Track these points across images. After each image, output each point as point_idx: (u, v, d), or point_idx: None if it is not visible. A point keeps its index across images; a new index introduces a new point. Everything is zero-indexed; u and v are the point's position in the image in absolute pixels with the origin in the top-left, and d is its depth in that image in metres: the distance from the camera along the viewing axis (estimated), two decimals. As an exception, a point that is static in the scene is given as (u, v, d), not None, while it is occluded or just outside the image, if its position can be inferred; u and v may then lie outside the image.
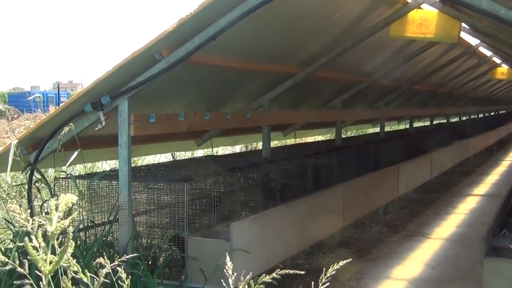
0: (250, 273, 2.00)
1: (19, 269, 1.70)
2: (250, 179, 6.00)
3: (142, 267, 4.19)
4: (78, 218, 4.73)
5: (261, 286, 1.91)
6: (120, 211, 4.45)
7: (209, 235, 4.88)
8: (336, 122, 9.16)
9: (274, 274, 1.84)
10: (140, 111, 5.32)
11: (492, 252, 4.31)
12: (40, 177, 4.97)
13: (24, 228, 1.63)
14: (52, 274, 1.63)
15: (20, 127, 12.32)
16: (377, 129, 12.69)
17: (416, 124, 15.90)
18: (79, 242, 4.44)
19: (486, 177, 13.70)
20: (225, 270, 1.88)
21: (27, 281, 1.71)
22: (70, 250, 1.60)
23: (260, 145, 8.65)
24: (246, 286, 1.90)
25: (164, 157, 10.86)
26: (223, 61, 5.27)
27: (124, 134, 4.39)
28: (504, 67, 12.20)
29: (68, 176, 5.07)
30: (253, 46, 5.53)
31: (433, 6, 5.99)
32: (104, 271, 1.77)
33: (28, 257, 1.64)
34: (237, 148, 12.93)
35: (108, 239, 4.59)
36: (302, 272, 1.95)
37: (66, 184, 5.09)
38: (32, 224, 1.63)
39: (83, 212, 4.97)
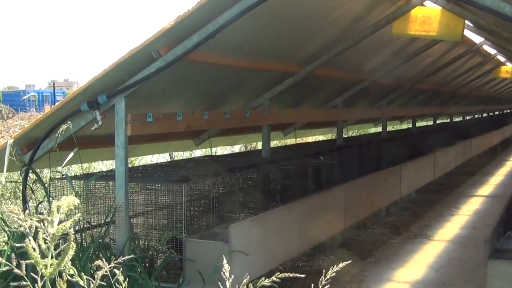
0: (248, 276, 2.01)
1: (16, 270, 1.71)
2: (249, 179, 6.00)
3: (139, 270, 4.20)
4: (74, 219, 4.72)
5: (261, 289, 1.91)
6: (116, 212, 4.45)
7: (208, 237, 4.88)
8: (337, 122, 9.17)
9: (273, 278, 1.85)
10: (137, 110, 5.32)
11: (496, 254, 4.32)
12: (35, 177, 4.97)
13: (22, 229, 1.63)
14: (52, 276, 1.63)
15: (15, 127, 12.33)
16: (379, 129, 12.69)
17: (419, 124, 15.89)
18: (75, 244, 4.44)
19: (490, 178, 13.71)
20: (222, 273, 1.89)
21: (25, 283, 1.71)
22: (71, 252, 1.61)
23: (259, 145, 8.65)
24: (245, 289, 1.90)
25: (161, 157, 10.86)
26: (222, 60, 5.27)
27: (121, 133, 4.39)
28: (509, 66, 12.21)
29: (64, 176, 5.07)
30: (253, 44, 5.53)
31: (436, 3, 5.99)
32: (100, 273, 1.77)
33: (26, 259, 1.64)
34: (236, 148, 12.92)
35: (105, 241, 4.59)
36: (302, 276, 1.94)
37: (61, 185, 5.09)
38: (30, 225, 1.63)
39: (79, 214, 4.97)
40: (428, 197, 10.70)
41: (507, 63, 12.18)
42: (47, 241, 1.60)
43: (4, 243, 4.91)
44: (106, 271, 1.84)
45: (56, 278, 1.71)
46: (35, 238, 1.64)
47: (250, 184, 6.02)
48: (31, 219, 1.63)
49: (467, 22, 6.44)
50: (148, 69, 4.31)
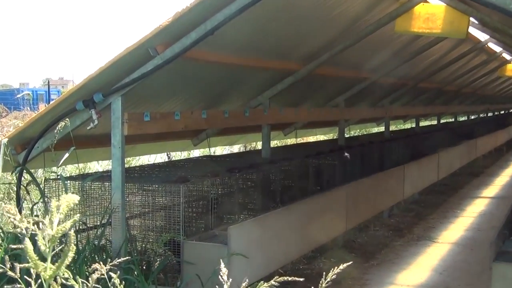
0: (247, 279, 2.00)
1: (10, 273, 1.70)
2: (249, 180, 6.00)
3: (136, 272, 4.20)
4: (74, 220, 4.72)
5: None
6: (113, 213, 4.45)
7: (206, 239, 4.88)
8: (339, 121, 9.17)
9: (272, 282, 1.84)
10: (134, 110, 5.32)
11: (502, 257, 4.32)
12: (29, 178, 4.97)
13: (18, 230, 1.62)
14: (52, 279, 1.62)
15: (8, 126, 12.33)
16: (382, 129, 12.69)
17: (422, 123, 15.90)
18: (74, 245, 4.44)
19: (495, 179, 13.71)
20: (219, 277, 1.88)
21: (19, 286, 1.71)
22: (71, 254, 1.60)
23: (259, 145, 8.65)
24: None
25: (159, 158, 10.86)
26: (221, 57, 5.27)
27: (117, 133, 4.39)
28: (514, 64, 12.20)
29: (59, 177, 5.07)
30: (253, 42, 5.53)
31: (441, 0, 5.99)
32: (95, 276, 1.77)
33: (20, 261, 1.64)
34: (236, 148, 12.93)
35: (101, 243, 4.59)
36: (301, 279, 1.94)
37: (56, 186, 5.09)
38: (27, 226, 1.62)
39: (75, 215, 4.97)
40: (432, 198, 10.70)
41: (513, 61, 12.18)
42: (46, 243, 1.59)
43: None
44: (103, 274, 1.84)
45: (50, 282, 1.71)
46: (31, 239, 1.64)
47: (250, 185, 6.02)
48: (27, 221, 1.62)
49: (472, 19, 6.44)
50: (145, 67, 4.31)
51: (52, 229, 1.56)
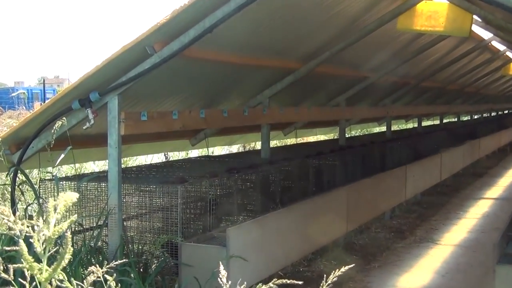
0: (245, 282, 2.00)
1: (3, 275, 1.70)
2: (248, 181, 6.00)
3: (132, 275, 4.19)
4: (72, 220, 4.72)
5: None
6: (109, 215, 4.45)
7: (205, 240, 4.87)
8: (339, 121, 9.17)
9: (270, 284, 1.84)
10: (131, 109, 5.32)
11: (506, 259, 4.31)
12: (24, 178, 4.97)
13: (13, 232, 1.62)
14: (48, 281, 1.62)
15: (3, 126, 12.31)
16: (383, 128, 12.70)
17: (424, 123, 15.90)
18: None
19: (499, 179, 13.71)
20: (219, 279, 1.88)
21: (13, 288, 1.70)
22: (68, 256, 1.59)
23: (258, 145, 8.65)
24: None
25: (156, 158, 10.86)
26: (220, 56, 5.27)
27: (114, 133, 4.39)
28: (518, 63, 12.21)
29: (53, 177, 5.06)
30: (252, 40, 5.53)
31: (443, -2, 6.00)
32: (90, 278, 1.76)
33: (14, 263, 1.63)
34: (234, 148, 12.92)
35: (97, 244, 4.59)
36: (300, 282, 1.94)
37: (52, 186, 5.09)
38: (21, 228, 1.62)
39: (70, 216, 4.96)
40: (434, 199, 10.70)
41: (517, 60, 12.19)
42: (41, 245, 1.58)
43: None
44: (99, 277, 1.83)
45: (45, 284, 1.71)
46: (26, 241, 1.64)
47: (249, 186, 6.02)
48: (22, 222, 1.62)
49: (475, 17, 6.44)
50: (142, 65, 4.31)
51: (48, 230, 1.55)
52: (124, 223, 4.85)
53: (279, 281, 1.88)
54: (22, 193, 5.33)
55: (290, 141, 12.56)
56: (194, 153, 10.50)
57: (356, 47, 6.62)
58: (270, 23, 5.30)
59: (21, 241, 1.59)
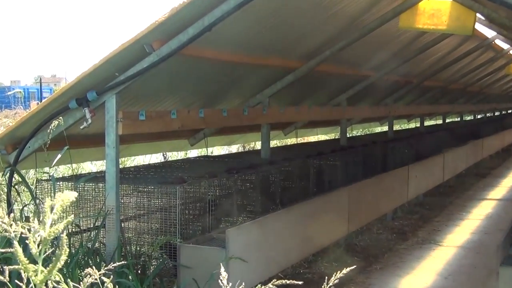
0: (243, 284, 2.00)
1: None
2: (248, 181, 6.00)
3: (130, 277, 4.19)
4: (68, 221, 4.72)
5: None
6: (107, 216, 4.45)
7: (203, 242, 4.87)
8: (340, 120, 9.17)
9: (270, 285, 1.84)
10: (129, 108, 5.32)
11: (509, 261, 4.31)
12: (20, 179, 4.97)
13: (7, 234, 1.62)
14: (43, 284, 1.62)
15: (-1, 125, 12.31)
16: (385, 128, 12.70)
17: (427, 123, 15.91)
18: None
19: (502, 180, 13.71)
20: (219, 281, 1.88)
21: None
22: (63, 257, 1.59)
23: (258, 145, 8.64)
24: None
25: (155, 158, 10.86)
26: (219, 54, 5.27)
27: (111, 132, 4.39)
28: (522, 61, 12.22)
29: (50, 178, 5.06)
30: (252, 38, 5.53)
31: (446, -5, 6.00)
32: (87, 280, 1.76)
33: (10, 265, 1.63)
34: (234, 148, 12.92)
35: (94, 246, 4.59)
36: (300, 283, 1.94)
37: (49, 187, 5.09)
38: (15, 229, 1.62)
39: (67, 217, 4.96)
40: (437, 200, 10.70)
41: (521, 59, 12.20)
42: (38, 246, 1.58)
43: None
44: (95, 279, 1.83)
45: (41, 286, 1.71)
46: (22, 243, 1.63)
47: (249, 186, 6.02)
48: (16, 224, 1.62)
49: (478, 15, 6.44)
50: (140, 64, 4.31)
51: (44, 231, 1.55)
52: (122, 224, 4.85)
53: (279, 282, 1.89)
54: (19, 194, 5.33)
55: (291, 141, 12.56)
56: (193, 153, 10.50)
57: (357, 45, 6.62)
58: (270, 21, 5.30)
59: (15, 242, 1.58)
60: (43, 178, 5.35)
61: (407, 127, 17.37)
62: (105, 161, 4.53)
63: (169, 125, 4.97)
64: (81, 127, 4.45)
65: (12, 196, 5.06)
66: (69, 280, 1.82)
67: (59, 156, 4.49)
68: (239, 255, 4.57)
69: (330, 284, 1.89)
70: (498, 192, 12.17)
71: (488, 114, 21.70)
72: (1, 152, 4.79)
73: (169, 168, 6.18)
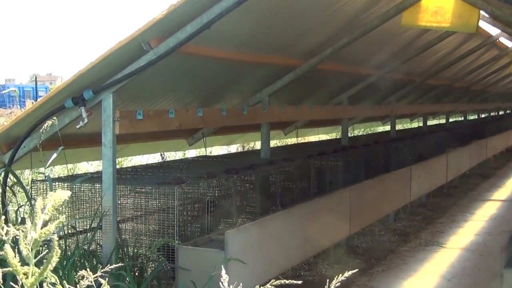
0: (242, 286, 2.00)
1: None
2: (247, 182, 6.00)
3: (127, 279, 4.19)
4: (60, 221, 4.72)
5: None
6: (104, 217, 4.45)
7: (202, 244, 4.88)
8: (342, 120, 9.17)
9: (268, 285, 1.85)
10: (126, 107, 5.32)
11: (514, 263, 4.31)
12: (15, 179, 4.97)
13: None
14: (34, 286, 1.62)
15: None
16: (388, 128, 12.69)
17: (430, 122, 15.91)
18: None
19: (507, 181, 13.72)
20: (220, 283, 1.88)
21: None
22: (55, 259, 1.59)
23: (258, 145, 8.65)
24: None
25: (152, 158, 10.86)
26: (218, 52, 5.27)
27: (108, 132, 4.39)
28: (527, 60, 12.22)
29: (46, 178, 5.06)
30: (251, 36, 5.53)
31: (449, -8, 6.00)
32: (83, 283, 1.76)
33: (5, 267, 1.63)
34: (233, 148, 12.93)
35: (91, 248, 4.59)
36: (299, 282, 1.94)
37: (44, 187, 5.09)
38: (7, 231, 1.62)
39: (63, 218, 4.96)
40: (440, 201, 10.71)
41: (526, 57, 12.20)
42: (29, 248, 1.58)
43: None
44: (91, 282, 1.83)
45: (37, 288, 1.71)
46: (16, 244, 1.63)
47: (248, 187, 6.02)
48: (8, 226, 1.61)
49: (482, 12, 6.45)
50: (137, 62, 4.31)
51: (35, 232, 1.54)
52: (119, 225, 4.85)
53: (277, 282, 1.89)
54: (14, 194, 5.33)
55: (291, 140, 12.56)
56: (192, 153, 10.51)
57: (359, 43, 6.62)
58: (270, 18, 5.30)
59: (7, 245, 1.58)
60: (39, 178, 5.34)
61: (410, 127, 17.37)
62: (101, 161, 4.53)
63: (167, 125, 4.97)
64: (77, 127, 4.44)
65: (7, 197, 5.06)
66: (65, 282, 1.82)
67: (54, 156, 4.49)
68: (238, 257, 4.57)
69: (332, 287, 1.89)
70: (502, 193, 12.18)
71: (492, 114, 21.69)
72: (-4, 152, 4.78)
73: (167, 169, 6.18)
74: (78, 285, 1.77)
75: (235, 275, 4.48)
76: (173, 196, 4.79)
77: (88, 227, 4.79)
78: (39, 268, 1.62)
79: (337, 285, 1.92)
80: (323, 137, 12.90)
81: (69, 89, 4.43)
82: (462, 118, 18.35)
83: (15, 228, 1.65)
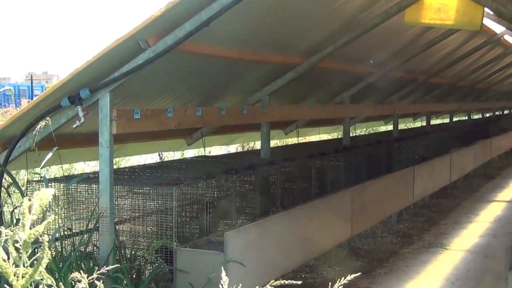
0: (240, 286, 2.01)
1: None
2: (247, 182, 6.00)
3: (125, 281, 4.19)
4: (54, 226, 4.73)
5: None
6: (100, 218, 4.45)
7: (201, 245, 4.88)
8: (343, 119, 9.17)
9: (268, 286, 1.85)
10: (124, 106, 5.32)
11: (518, 265, 4.32)
12: (10, 180, 4.97)
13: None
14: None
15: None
16: (390, 127, 12.70)
17: (433, 122, 15.91)
18: (54, 252, 4.44)
19: (512, 181, 13.74)
20: (220, 286, 1.89)
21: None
22: (45, 260, 1.59)
23: (258, 145, 8.65)
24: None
25: (150, 158, 10.86)
26: (217, 50, 5.27)
27: (105, 132, 4.39)
28: (533, 58, 12.22)
29: (42, 178, 5.06)
30: (251, 34, 5.53)
31: (453, -11, 6.00)
32: (80, 285, 1.76)
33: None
34: (233, 148, 12.93)
35: (87, 249, 4.59)
36: (299, 282, 1.95)
37: (40, 188, 5.09)
38: (0, 233, 1.61)
39: (59, 219, 4.97)
40: (444, 202, 10.71)
41: (531, 55, 12.20)
42: (13, 249, 1.58)
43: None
44: (86, 284, 1.83)
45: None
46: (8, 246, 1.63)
47: (248, 188, 6.02)
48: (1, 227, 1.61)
49: (486, 9, 6.45)
50: (135, 60, 4.31)
51: (24, 233, 1.54)
52: (116, 227, 4.85)
53: (277, 283, 1.89)
54: (9, 195, 5.33)
55: (291, 140, 12.57)
56: (190, 153, 10.51)
57: (361, 41, 6.62)
58: (270, 15, 5.30)
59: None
60: (34, 179, 5.35)
61: (413, 126, 17.38)
62: (98, 161, 4.53)
63: (165, 124, 4.97)
64: (74, 126, 4.45)
65: (2, 198, 5.06)
66: (61, 284, 1.83)
67: (49, 156, 4.49)
68: (237, 259, 4.58)
69: (333, 290, 1.89)
70: (507, 193, 12.19)
71: (497, 113, 21.69)
72: (-9, 152, 4.78)
73: (165, 169, 6.18)
74: (75, 287, 1.77)
75: (234, 278, 4.48)
76: (172, 197, 4.79)
77: (84, 229, 4.79)
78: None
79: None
80: (324, 136, 12.91)
81: (65, 88, 4.43)
82: (466, 118, 18.36)
83: (9, 229, 1.65)
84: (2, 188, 5.00)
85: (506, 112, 23.09)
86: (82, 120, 4.40)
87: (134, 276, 4.66)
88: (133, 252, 4.90)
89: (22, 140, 4.73)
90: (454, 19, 5.94)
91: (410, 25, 6.79)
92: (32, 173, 5.49)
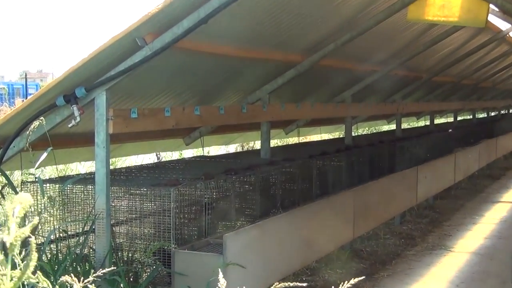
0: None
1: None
2: (246, 183, 6.01)
3: (122, 285, 4.19)
4: (49, 228, 4.73)
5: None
6: (96, 220, 4.45)
7: (200, 248, 4.88)
8: (345, 118, 9.17)
9: (271, 288, 1.85)
10: (120, 105, 5.32)
11: (524, 268, 4.32)
12: (5, 181, 4.97)
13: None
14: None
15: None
16: (393, 126, 12.71)
17: (437, 121, 15.92)
18: (49, 255, 4.44)
19: (517, 182, 13.73)
20: (218, 288, 1.89)
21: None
22: (33, 263, 1.59)
23: (258, 144, 8.66)
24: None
25: (147, 158, 10.86)
26: (216, 48, 5.27)
27: (101, 131, 4.39)
28: (539, 55, 12.22)
29: (36, 179, 5.06)
30: (250, 31, 5.54)
31: (457, -15, 6.00)
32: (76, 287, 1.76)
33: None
34: (232, 148, 12.93)
35: (83, 252, 4.59)
36: (304, 285, 1.95)
37: (35, 189, 5.09)
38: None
39: (54, 221, 4.97)
40: (448, 203, 10.71)
41: (537, 53, 12.20)
42: (5, 252, 1.58)
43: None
44: (85, 287, 1.83)
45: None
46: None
47: (248, 188, 6.02)
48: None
49: (491, 6, 6.45)
50: (132, 58, 4.31)
51: (9, 236, 1.54)
52: (113, 228, 4.85)
53: (282, 285, 1.89)
54: (3, 196, 5.32)
55: (292, 140, 12.57)
56: (189, 153, 10.50)
57: (364, 38, 6.62)
58: (270, 13, 5.30)
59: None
60: (29, 179, 5.34)
61: (416, 126, 17.39)
62: (94, 161, 4.53)
63: (162, 123, 4.97)
64: (69, 126, 4.45)
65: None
66: (57, 287, 1.83)
67: (43, 156, 4.48)
68: (237, 262, 4.58)
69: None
70: (513, 194, 12.19)
71: (502, 112, 21.69)
72: (-16, 152, 4.78)
73: (163, 169, 6.18)
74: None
75: (233, 281, 4.48)
76: (169, 198, 4.79)
77: (80, 231, 4.79)
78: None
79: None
80: (326, 136, 12.92)
81: (60, 87, 4.43)
82: (471, 117, 18.36)
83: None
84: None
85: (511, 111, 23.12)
86: (78, 119, 4.40)
87: (131, 279, 4.66)
88: (130, 255, 4.90)
89: (17, 140, 4.73)
90: (459, 16, 5.94)
91: (413, 22, 6.79)
92: (27, 174, 5.49)
